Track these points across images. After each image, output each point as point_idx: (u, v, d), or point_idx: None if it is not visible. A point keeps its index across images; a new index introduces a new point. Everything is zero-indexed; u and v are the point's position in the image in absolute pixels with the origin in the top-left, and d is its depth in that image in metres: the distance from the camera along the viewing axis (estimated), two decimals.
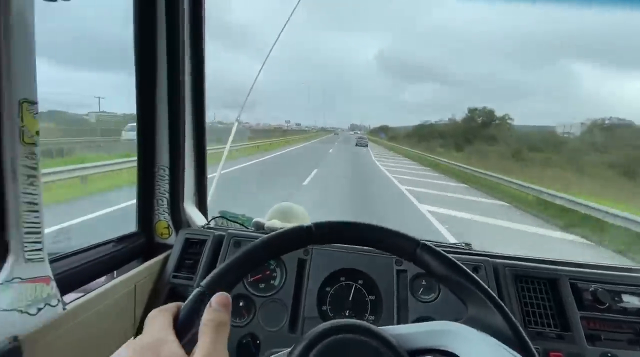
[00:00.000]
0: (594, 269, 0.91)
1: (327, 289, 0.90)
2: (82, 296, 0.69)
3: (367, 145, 33.30)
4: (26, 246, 0.56)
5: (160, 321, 0.36)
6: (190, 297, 0.40)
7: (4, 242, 0.54)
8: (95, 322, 0.71)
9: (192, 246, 0.98)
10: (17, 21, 0.50)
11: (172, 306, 0.39)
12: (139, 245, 0.97)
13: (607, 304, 0.82)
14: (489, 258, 0.92)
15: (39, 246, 0.58)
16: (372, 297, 0.89)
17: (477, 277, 0.42)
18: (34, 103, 0.54)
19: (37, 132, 0.55)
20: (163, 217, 1.02)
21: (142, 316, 0.87)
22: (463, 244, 1.17)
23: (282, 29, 1.49)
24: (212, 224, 1.17)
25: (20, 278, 0.55)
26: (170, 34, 0.91)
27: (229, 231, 1.00)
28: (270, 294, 0.89)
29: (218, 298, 0.37)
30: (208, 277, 0.43)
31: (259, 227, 1.10)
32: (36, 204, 0.57)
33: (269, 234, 0.47)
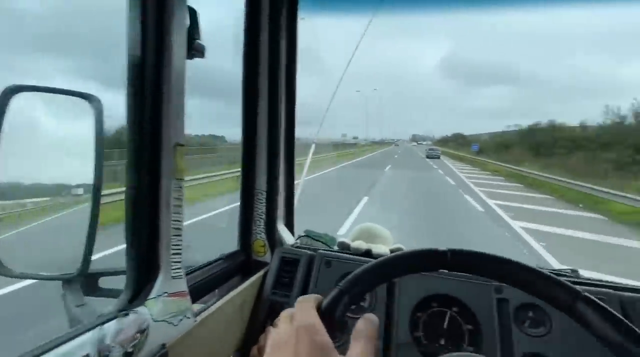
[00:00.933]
0: None
1: (419, 314, 0.89)
2: (205, 308, 0.80)
3: (439, 157, 28.17)
4: (172, 265, 0.67)
5: (310, 308, 0.40)
6: (332, 294, 0.43)
7: (157, 263, 0.65)
8: (216, 332, 0.80)
9: (287, 264, 1.05)
10: (174, 79, 0.62)
11: (314, 297, 0.42)
12: (239, 262, 1.08)
13: None
14: (610, 290, 0.82)
15: (179, 265, 0.69)
16: (470, 327, 0.85)
17: None
18: (182, 145, 0.65)
19: (183, 169, 0.67)
20: (260, 236, 1.11)
21: (247, 327, 0.96)
22: (569, 270, 1.07)
23: (355, 50, 1.55)
24: (298, 242, 1.24)
25: (167, 293, 0.66)
26: (272, 65, 1.00)
27: (319, 251, 1.05)
28: (360, 316, 0.91)
29: (369, 315, 0.41)
30: (347, 279, 0.45)
31: (344, 247, 1.14)
32: (180, 229, 0.68)
33: (403, 251, 0.48)
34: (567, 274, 0.99)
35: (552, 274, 0.42)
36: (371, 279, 0.47)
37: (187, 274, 0.86)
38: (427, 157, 28.48)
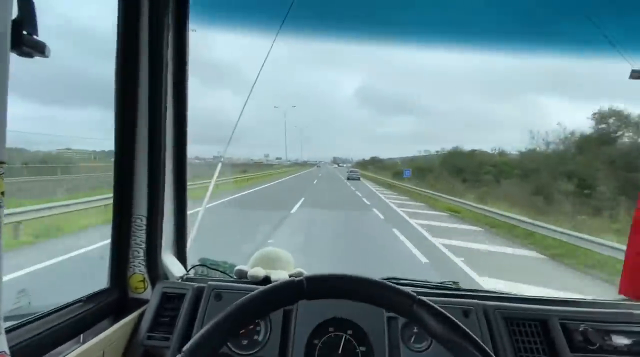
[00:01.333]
0: (582, 307, 0.91)
1: (315, 341, 0.85)
2: None
3: (359, 178, 29.46)
4: None
5: None
6: None
7: None
8: None
9: (170, 301, 0.91)
10: None
11: None
12: (110, 302, 0.90)
13: (597, 344, 0.81)
14: (478, 300, 0.90)
15: None
16: (363, 349, 0.84)
17: (478, 339, 0.40)
18: (2, 163, 0.51)
19: (3, 193, 0.52)
20: (138, 269, 0.95)
21: None
22: (450, 283, 1.15)
23: (263, 65, 1.52)
24: (191, 273, 1.10)
25: None
26: (153, 75, 0.90)
27: (210, 282, 0.94)
28: (254, 351, 0.83)
29: None
30: (190, 342, 0.40)
31: (242, 275, 1.05)
32: None
33: (255, 292, 0.44)
34: (449, 286, 1.07)
35: (393, 284, 0.44)
36: (221, 336, 0.42)
37: (21, 325, 0.68)
38: (348, 179, 29.81)
